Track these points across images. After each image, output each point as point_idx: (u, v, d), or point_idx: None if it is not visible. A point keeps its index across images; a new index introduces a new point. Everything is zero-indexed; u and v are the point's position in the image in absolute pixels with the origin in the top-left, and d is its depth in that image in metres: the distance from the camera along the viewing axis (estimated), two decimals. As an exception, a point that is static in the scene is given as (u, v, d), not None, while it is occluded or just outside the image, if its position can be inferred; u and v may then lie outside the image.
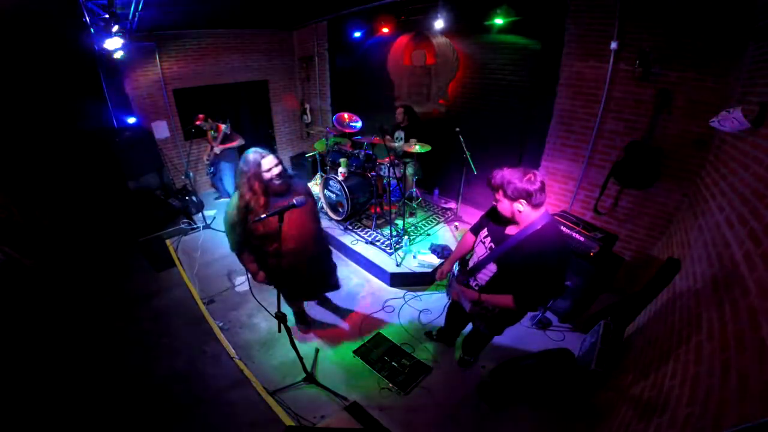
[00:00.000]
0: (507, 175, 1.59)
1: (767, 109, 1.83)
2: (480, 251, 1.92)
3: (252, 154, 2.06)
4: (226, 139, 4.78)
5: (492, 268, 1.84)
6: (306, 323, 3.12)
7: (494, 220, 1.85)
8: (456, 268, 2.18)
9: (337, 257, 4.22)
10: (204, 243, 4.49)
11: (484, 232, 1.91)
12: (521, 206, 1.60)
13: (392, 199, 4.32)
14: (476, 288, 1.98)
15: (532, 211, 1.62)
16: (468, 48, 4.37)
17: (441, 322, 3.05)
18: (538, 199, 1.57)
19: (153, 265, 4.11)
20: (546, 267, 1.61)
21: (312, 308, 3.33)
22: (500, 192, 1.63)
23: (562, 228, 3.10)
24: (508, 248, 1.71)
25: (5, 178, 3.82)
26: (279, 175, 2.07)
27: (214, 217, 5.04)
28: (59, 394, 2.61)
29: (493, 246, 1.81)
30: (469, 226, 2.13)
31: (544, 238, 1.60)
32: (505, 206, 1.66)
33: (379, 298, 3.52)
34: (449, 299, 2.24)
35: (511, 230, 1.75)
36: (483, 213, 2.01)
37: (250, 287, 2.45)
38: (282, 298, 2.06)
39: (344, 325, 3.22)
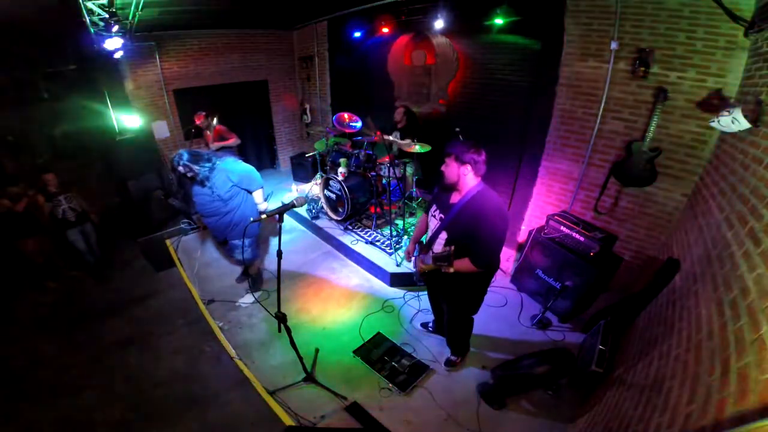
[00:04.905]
0: (461, 145, 2.01)
1: (766, 108, 1.83)
2: (433, 225, 2.20)
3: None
4: (221, 137, 4.76)
5: (444, 236, 2.10)
6: (258, 286, 3.66)
7: (440, 192, 2.17)
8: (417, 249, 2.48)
9: (337, 257, 4.24)
10: (204, 243, 4.48)
11: (434, 207, 2.20)
12: (467, 170, 1.96)
13: (392, 199, 4.32)
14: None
15: (474, 178, 1.99)
16: (468, 48, 4.37)
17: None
18: (480, 169, 1.96)
19: (153, 265, 4.11)
20: (486, 220, 1.91)
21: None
22: (453, 157, 1.98)
23: (562, 229, 3.14)
24: (454, 214, 2.02)
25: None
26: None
27: (214, 217, 5.04)
28: (60, 394, 2.61)
29: (443, 216, 2.10)
30: None
31: (483, 198, 1.97)
32: (452, 170, 2.00)
33: (379, 298, 3.52)
34: (416, 273, 2.43)
35: (454, 198, 2.07)
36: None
37: (252, 292, 2.46)
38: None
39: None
